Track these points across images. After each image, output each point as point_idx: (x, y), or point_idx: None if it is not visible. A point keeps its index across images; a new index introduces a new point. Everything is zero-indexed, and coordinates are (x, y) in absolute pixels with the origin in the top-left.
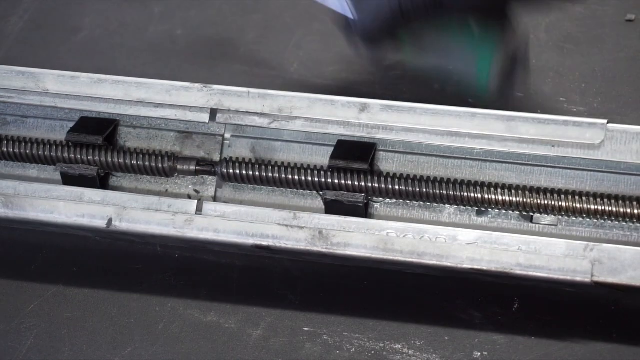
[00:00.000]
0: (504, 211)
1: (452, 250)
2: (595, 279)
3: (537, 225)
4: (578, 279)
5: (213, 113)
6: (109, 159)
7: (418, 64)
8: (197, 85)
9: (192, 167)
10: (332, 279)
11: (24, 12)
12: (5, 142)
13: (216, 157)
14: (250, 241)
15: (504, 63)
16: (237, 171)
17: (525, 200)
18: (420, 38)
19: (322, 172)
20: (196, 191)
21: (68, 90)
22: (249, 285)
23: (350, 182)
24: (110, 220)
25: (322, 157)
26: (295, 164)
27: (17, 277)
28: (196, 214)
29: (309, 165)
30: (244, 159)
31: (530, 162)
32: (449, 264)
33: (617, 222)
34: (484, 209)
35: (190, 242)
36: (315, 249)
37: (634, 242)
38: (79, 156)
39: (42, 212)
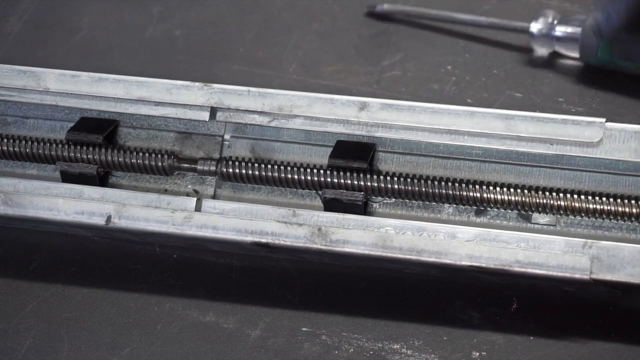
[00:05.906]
0: (502, 211)
1: (451, 247)
2: (594, 276)
3: (535, 225)
4: (577, 276)
5: (213, 111)
6: (109, 158)
7: None
8: (197, 84)
9: (192, 166)
10: (330, 279)
11: (23, 12)
12: (5, 140)
13: (216, 157)
14: (249, 238)
15: None
16: (237, 170)
17: (523, 199)
18: None
19: (322, 171)
20: (195, 191)
21: (69, 88)
22: (248, 286)
23: (349, 181)
24: (109, 218)
25: (321, 157)
26: (295, 163)
27: (16, 277)
28: (195, 211)
29: (308, 165)
30: (243, 158)
31: (528, 162)
32: (447, 261)
33: (615, 222)
34: (482, 209)
35: (189, 240)
36: (314, 246)
37: (632, 240)
38: (78, 155)
39: (41, 210)
